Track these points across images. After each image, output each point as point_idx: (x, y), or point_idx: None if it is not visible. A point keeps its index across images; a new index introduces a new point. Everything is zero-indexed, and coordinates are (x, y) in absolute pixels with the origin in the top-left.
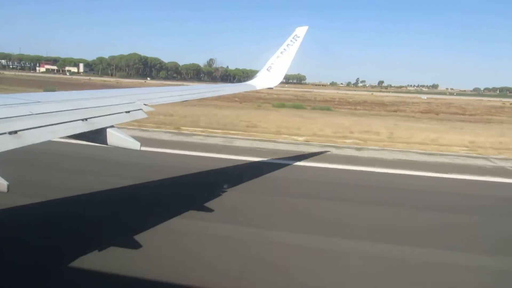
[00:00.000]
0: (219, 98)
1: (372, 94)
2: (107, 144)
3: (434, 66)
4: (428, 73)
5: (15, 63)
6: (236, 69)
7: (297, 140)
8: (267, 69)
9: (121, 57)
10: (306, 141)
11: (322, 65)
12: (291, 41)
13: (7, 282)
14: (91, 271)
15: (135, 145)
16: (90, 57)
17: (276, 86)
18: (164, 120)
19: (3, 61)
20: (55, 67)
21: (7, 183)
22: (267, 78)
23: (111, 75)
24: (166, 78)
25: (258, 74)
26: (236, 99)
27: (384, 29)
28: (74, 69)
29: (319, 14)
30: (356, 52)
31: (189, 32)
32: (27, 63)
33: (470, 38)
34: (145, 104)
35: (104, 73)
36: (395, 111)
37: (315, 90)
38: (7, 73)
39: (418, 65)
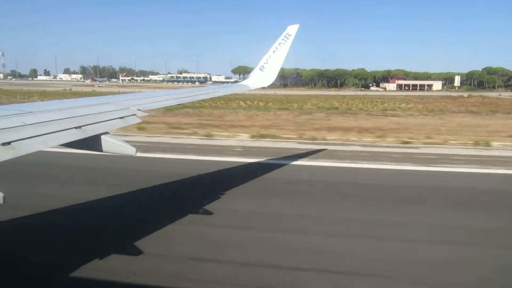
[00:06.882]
0: None
1: None
2: (102, 151)
3: None
4: None
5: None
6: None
7: None
8: (260, 69)
9: None
10: None
11: None
12: (282, 39)
13: None
14: None
15: (131, 150)
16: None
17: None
18: None
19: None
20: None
21: (3, 194)
22: (260, 78)
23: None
24: None
25: (251, 74)
26: None
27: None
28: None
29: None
30: None
31: None
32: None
33: None
34: (139, 110)
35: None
36: None
37: None
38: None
39: None
